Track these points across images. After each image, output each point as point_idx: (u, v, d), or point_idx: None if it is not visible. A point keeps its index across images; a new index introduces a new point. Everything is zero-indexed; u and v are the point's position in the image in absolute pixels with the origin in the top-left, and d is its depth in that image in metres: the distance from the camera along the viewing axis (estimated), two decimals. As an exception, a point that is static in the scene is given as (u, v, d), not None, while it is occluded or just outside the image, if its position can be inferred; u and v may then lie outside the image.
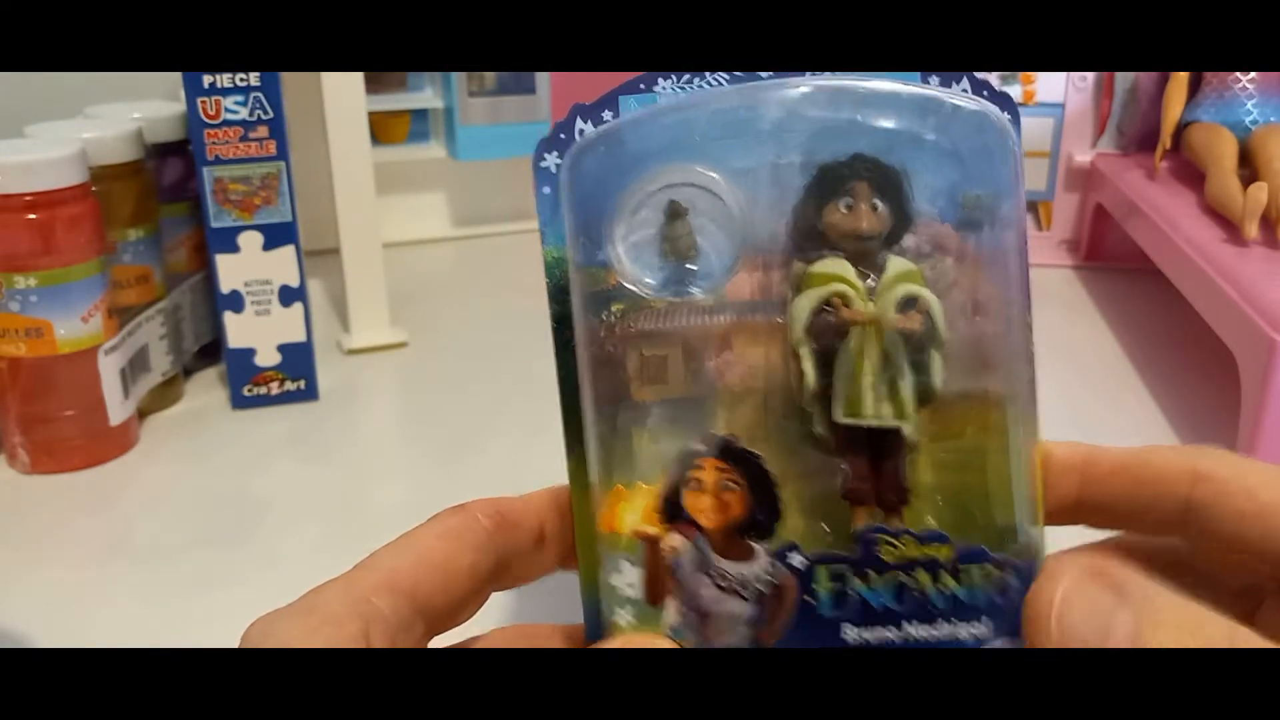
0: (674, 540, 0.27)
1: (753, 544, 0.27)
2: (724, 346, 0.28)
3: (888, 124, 0.28)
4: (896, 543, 0.27)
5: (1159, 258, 0.69)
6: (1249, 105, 0.75)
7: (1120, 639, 0.22)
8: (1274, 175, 0.64)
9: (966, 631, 0.27)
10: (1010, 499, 0.27)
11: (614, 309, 0.28)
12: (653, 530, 0.27)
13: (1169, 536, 0.28)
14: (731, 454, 0.28)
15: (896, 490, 0.28)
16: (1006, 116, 0.27)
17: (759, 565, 0.27)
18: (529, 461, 0.57)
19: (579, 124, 0.28)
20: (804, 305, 0.28)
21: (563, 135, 0.28)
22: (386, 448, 0.62)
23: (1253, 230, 0.61)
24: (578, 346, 0.28)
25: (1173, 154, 0.79)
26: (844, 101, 0.28)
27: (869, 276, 0.28)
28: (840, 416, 0.28)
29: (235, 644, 0.23)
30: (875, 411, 0.27)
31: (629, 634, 0.27)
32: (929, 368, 0.28)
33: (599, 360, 0.28)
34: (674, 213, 0.28)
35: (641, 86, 0.28)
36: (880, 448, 0.28)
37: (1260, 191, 0.61)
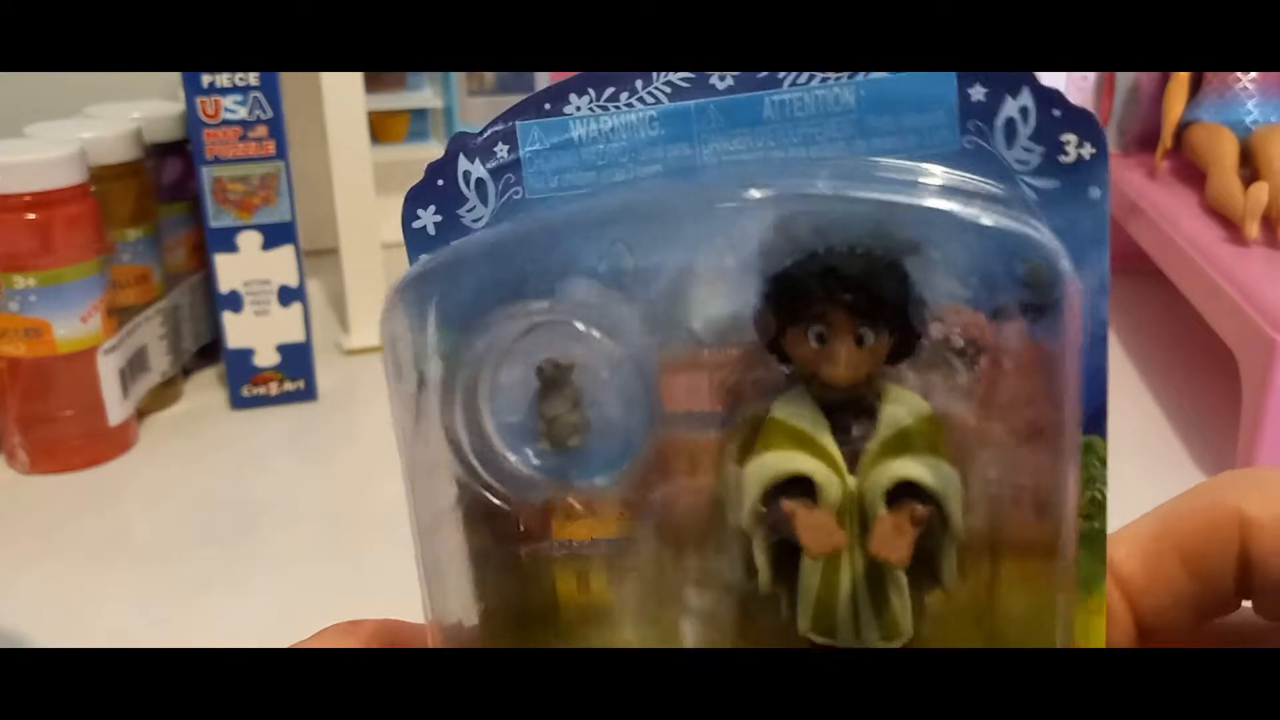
0: None
1: None
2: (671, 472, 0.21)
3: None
4: None
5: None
6: (1249, 105, 0.75)
7: None
8: (1275, 175, 0.64)
9: None
10: None
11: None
12: None
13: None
14: None
15: None
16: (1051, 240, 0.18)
17: None
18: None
19: (463, 164, 0.20)
20: (754, 482, 0.19)
21: (440, 182, 0.20)
22: (385, 448, 0.62)
23: (1253, 230, 0.61)
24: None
25: (1173, 154, 0.79)
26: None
27: (852, 431, 0.19)
28: (807, 631, 0.20)
29: (234, 643, 0.23)
30: (854, 636, 0.19)
31: None
32: (937, 558, 0.19)
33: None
34: (547, 380, 0.20)
35: (547, 107, 0.20)
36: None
37: (1261, 191, 0.61)
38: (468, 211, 0.20)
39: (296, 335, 0.65)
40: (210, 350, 0.69)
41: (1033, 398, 0.19)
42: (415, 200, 0.20)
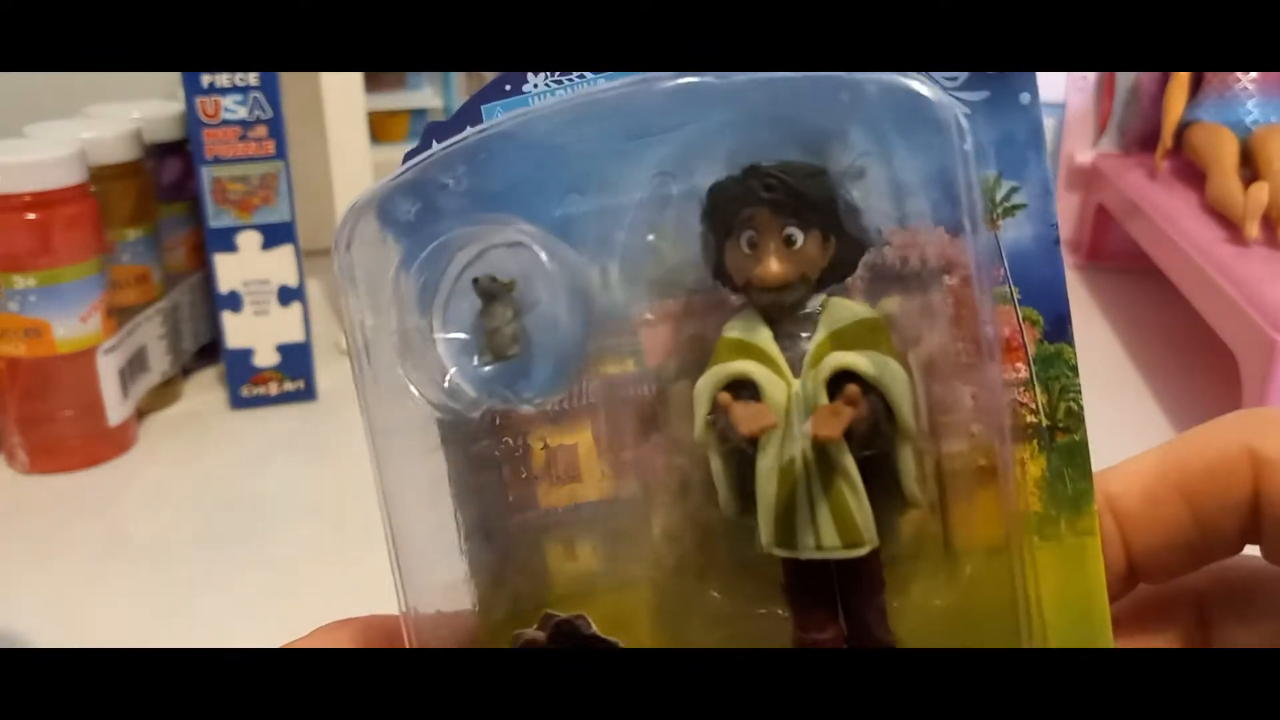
0: None
1: None
2: (653, 427, 0.21)
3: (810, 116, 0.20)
4: None
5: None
6: (1249, 105, 0.75)
7: None
8: (1275, 175, 0.64)
9: None
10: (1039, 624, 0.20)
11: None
12: None
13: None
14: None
15: (874, 644, 0.20)
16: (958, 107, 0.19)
17: None
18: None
19: (435, 147, 0.21)
20: (701, 394, 0.20)
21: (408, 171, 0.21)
22: (386, 448, 0.62)
23: (1254, 230, 0.61)
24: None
25: (1174, 154, 0.79)
26: (748, 94, 0.19)
27: (798, 339, 0.20)
28: (769, 546, 0.19)
29: (233, 643, 0.23)
30: (814, 540, 0.19)
31: None
32: (896, 466, 0.19)
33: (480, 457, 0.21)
34: (484, 293, 0.20)
35: (507, 88, 0.21)
36: (842, 581, 0.20)
37: (1261, 191, 0.61)
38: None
39: (296, 335, 0.65)
40: (210, 350, 0.69)
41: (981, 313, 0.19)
42: (389, 200, 0.21)
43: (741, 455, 0.20)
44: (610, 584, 0.21)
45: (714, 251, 0.20)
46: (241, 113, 0.60)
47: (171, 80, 0.73)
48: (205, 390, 0.67)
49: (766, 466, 0.19)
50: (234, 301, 0.63)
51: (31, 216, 0.54)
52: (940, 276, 0.20)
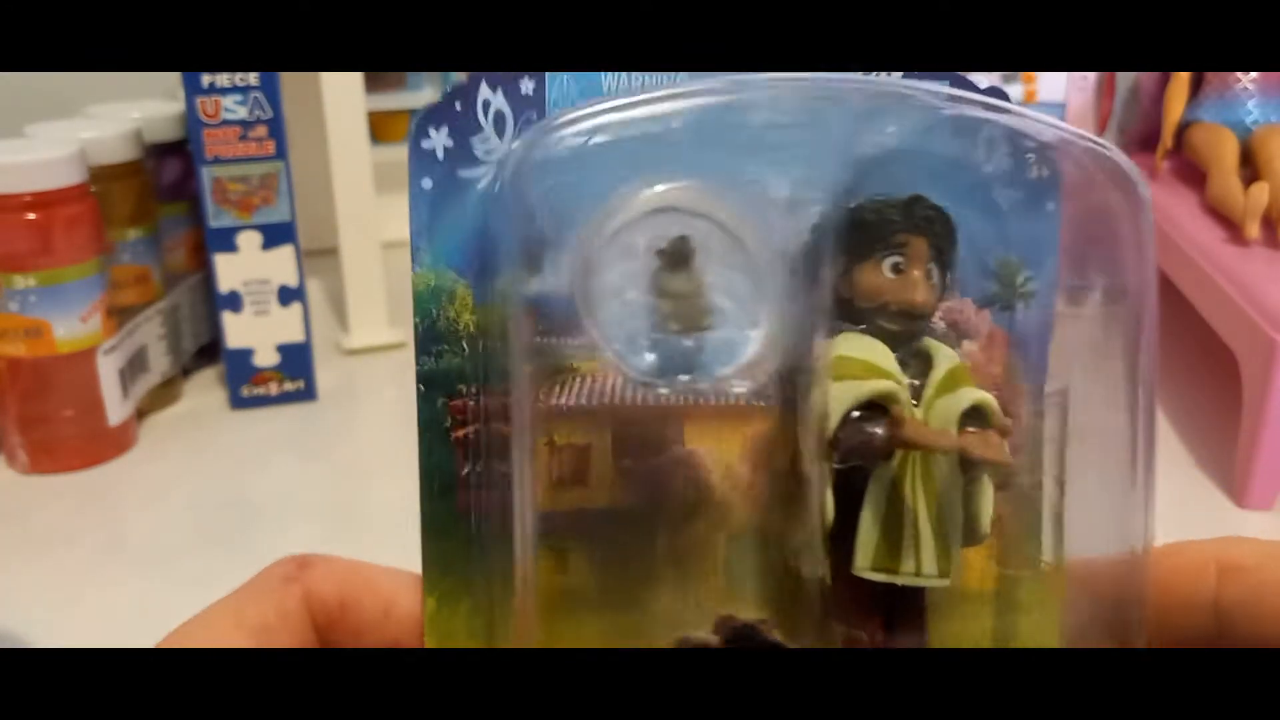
0: None
1: None
2: (672, 438, 0.20)
3: (948, 150, 0.20)
4: None
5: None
6: (1250, 105, 0.75)
7: None
8: (1275, 175, 0.64)
9: None
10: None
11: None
12: None
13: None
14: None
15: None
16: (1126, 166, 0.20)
17: None
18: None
19: (483, 93, 0.19)
20: (837, 404, 0.20)
21: (458, 105, 0.19)
22: (385, 448, 0.62)
23: (1254, 230, 0.61)
24: (514, 422, 0.19)
25: (1174, 154, 0.79)
26: (889, 111, 0.19)
27: (909, 367, 0.20)
28: (864, 569, 0.20)
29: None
30: (916, 567, 0.20)
31: None
32: (977, 503, 0.20)
33: (496, 447, 0.20)
34: (676, 256, 0.19)
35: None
36: (901, 609, 0.20)
37: (1261, 191, 0.61)
38: (481, 141, 0.20)
39: (296, 335, 0.64)
40: (210, 350, 0.69)
41: (996, 383, 0.21)
42: (428, 119, 0.19)
43: (846, 475, 0.20)
44: (600, 601, 0.21)
45: (839, 268, 0.20)
46: (241, 113, 0.60)
47: (171, 80, 0.73)
48: (205, 390, 0.67)
49: (881, 489, 0.20)
50: (234, 301, 0.63)
51: (31, 216, 0.54)
52: (960, 341, 0.21)
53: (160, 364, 0.64)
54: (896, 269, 0.20)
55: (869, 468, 0.20)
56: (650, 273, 0.20)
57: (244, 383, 0.65)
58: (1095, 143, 0.20)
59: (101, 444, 0.59)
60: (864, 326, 0.20)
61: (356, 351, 0.72)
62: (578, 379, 0.20)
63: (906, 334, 0.20)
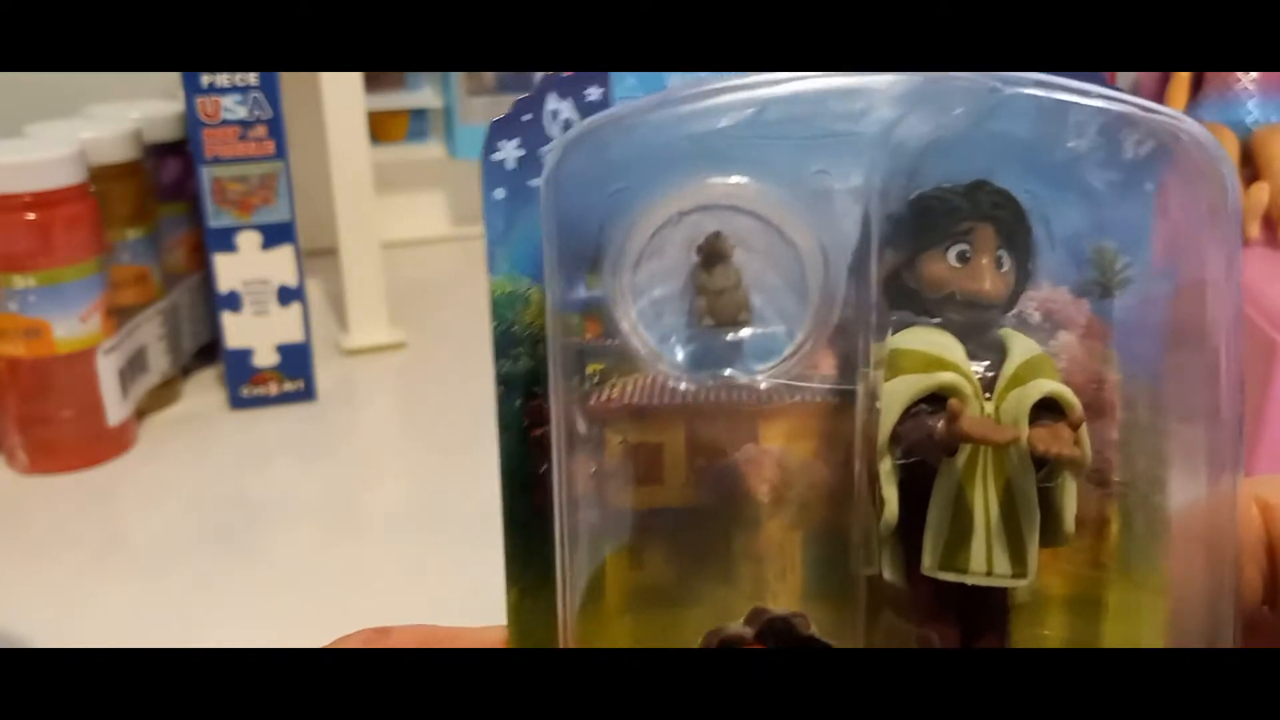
0: None
1: None
2: (747, 436, 0.20)
3: (1021, 132, 0.19)
4: None
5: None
6: (1250, 105, 0.75)
7: None
8: (1275, 175, 0.64)
9: None
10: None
11: (589, 371, 0.20)
12: None
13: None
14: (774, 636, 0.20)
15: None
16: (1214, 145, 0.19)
17: None
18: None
19: (551, 102, 0.20)
20: (895, 399, 0.19)
21: (526, 117, 0.20)
22: (385, 448, 0.62)
23: (1254, 230, 0.61)
24: (551, 423, 0.19)
25: (1173, 154, 0.79)
26: (955, 94, 0.19)
27: (981, 358, 0.19)
28: (932, 568, 0.19)
29: (233, 643, 0.23)
30: (987, 566, 0.19)
31: None
32: (1059, 500, 0.19)
33: (569, 445, 0.19)
34: (713, 252, 0.19)
35: None
36: (978, 610, 0.19)
37: (1261, 191, 0.61)
38: (550, 151, 0.20)
39: (296, 335, 0.64)
40: (209, 350, 0.69)
41: (1095, 376, 0.20)
42: (500, 131, 0.20)
43: (911, 471, 0.19)
44: (676, 598, 0.20)
45: (900, 260, 0.19)
46: (241, 113, 0.60)
47: (171, 80, 0.73)
48: (205, 390, 0.67)
49: (949, 485, 0.19)
50: (233, 301, 0.63)
51: (31, 216, 0.54)
52: (1055, 332, 0.20)
53: (160, 364, 0.64)
54: (962, 257, 0.19)
55: (932, 463, 0.19)
56: (689, 268, 0.19)
57: (243, 383, 0.65)
58: (1185, 120, 0.19)
59: (101, 444, 0.58)
60: (937, 320, 0.19)
61: (356, 351, 0.72)
62: (645, 379, 0.20)
63: (977, 324, 0.19)
